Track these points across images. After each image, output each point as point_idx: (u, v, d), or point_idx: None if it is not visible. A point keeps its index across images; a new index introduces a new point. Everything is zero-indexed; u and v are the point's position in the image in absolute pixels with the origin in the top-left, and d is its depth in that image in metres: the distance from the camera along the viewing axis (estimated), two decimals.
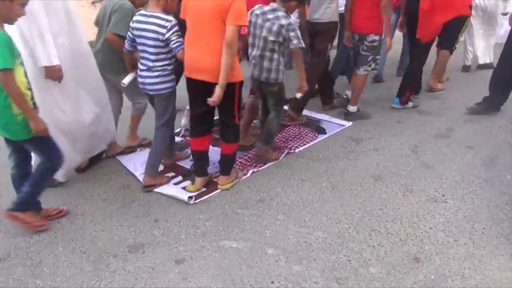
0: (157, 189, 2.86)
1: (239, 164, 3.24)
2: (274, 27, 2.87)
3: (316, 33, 3.88)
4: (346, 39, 4.05)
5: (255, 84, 3.17)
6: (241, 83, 2.68)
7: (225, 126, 2.81)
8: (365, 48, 3.88)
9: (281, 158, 3.31)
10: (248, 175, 3.05)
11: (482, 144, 3.51)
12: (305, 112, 4.30)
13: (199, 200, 2.74)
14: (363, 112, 4.20)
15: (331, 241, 2.31)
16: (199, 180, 2.86)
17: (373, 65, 3.96)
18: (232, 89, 2.59)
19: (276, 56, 2.95)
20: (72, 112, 2.77)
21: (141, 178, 2.95)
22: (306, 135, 3.79)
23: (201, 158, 2.86)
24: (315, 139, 3.70)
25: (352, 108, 4.15)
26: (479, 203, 2.67)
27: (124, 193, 2.84)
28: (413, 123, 4.05)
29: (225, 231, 2.42)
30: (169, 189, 2.85)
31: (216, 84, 2.47)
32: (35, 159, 2.55)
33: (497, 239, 2.31)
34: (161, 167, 3.20)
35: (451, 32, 4.19)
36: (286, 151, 3.43)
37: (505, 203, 2.65)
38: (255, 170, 3.13)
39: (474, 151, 3.40)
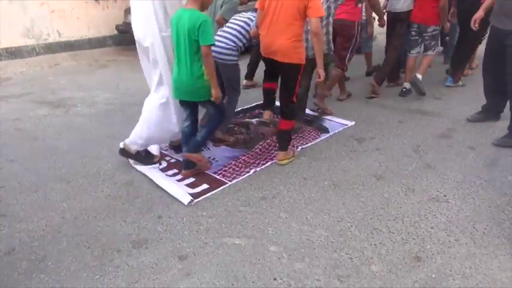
0: (160, 184, 2.89)
1: (242, 161, 3.27)
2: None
3: (396, 21, 4.78)
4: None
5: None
6: (304, 66, 3.10)
7: (284, 105, 3.16)
8: (427, 38, 4.69)
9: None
10: (251, 173, 3.07)
11: (483, 145, 3.52)
12: (308, 111, 4.32)
13: (203, 197, 2.76)
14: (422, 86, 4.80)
15: (333, 239, 2.33)
16: (267, 113, 3.77)
17: (435, 49, 4.82)
18: (297, 70, 3.04)
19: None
20: None
21: None
22: (309, 134, 3.81)
23: (269, 93, 3.64)
24: (317, 138, 3.71)
25: (420, 76, 4.80)
26: (481, 203, 2.68)
27: (127, 189, 2.86)
28: (416, 123, 4.07)
29: (227, 228, 2.43)
30: (172, 186, 2.87)
31: (283, 63, 3.01)
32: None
33: (498, 239, 2.33)
34: (164, 164, 3.22)
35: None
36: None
37: (506, 203, 2.67)
38: (257, 168, 3.15)
39: (476, 152, 3.41)
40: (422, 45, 4.81)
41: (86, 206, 2.68)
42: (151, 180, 2.96)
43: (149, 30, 2.92)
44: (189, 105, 2.95)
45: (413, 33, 4.77)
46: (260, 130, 3.90)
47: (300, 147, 3.51)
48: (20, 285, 2.01)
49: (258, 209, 2.62)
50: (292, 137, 3.44)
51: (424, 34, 4.69)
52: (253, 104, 4.63)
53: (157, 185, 2.89)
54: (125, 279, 2.04)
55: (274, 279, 2.04)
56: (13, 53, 6.87)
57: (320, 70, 3.05)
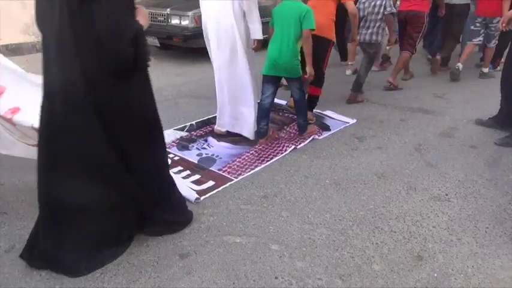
0: None
1: (246, 158, 3.28)
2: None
3: (452, 13, 5.41)
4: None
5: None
6: (334, 43, 3.89)
7: (316, 74, 3.53)
8: (492, 29, 5.13)
9: (285, 154, 3.32)
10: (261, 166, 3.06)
11: (485, 144, 3.52)
12: None
13: (208, 194, 2.75)
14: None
15: (335, 238, 2.32)
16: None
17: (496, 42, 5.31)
18: (328, 45, 3.75)
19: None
20: None
21: None
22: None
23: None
24: (319, 136, 3.70)
25: (485, 70, 5.51)
26: (483, 202, 2.68)
27: None
28: (417, 122, 4.06)
29: (228, 226, 2.42)
30: (178, 183, 2.86)
31: (322, 37, 3.61)
32: None
33: (500, 238, 2.32)
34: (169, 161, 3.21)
35: None
36: (293, 146, 3.45)
37: (508, 202, 2.66)
38: (262, 165, 3.16)
39: (478, 151, 3.40)
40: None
41: None
42: None
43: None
44: (274, 83, 3.44)
45: (478, 25, 5.21)
46: None
47: (299, 146, 3.50)
48: (20, 283, 2.00)
49: (259, 207, 2.61)
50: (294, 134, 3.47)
51: (490, 25, 5.14)
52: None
53: None
54: (126, 277, 2.03)
55: (276, 278, 2.03)
56: (13, 50, 6.85)
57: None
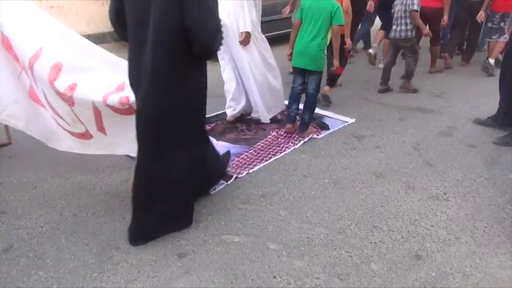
0: None
1: (245, 157, 3.29)
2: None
3: (470, 10, 5.56)
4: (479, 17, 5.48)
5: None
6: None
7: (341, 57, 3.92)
8: (506, 24, 5.13)
9: (284, 154, 3.33)
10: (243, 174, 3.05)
11: (484, 143, 3.51)
12: None
13: (217, 189, 2.80)
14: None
15: (333, 237, 2.32)
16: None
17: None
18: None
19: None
20: None
21: None
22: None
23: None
24: (317, 135, 3.70)
25: (492, 61, 5.54)
26: (481, 201, 2.68)
27: (126, 187, 2.82)
28: (416, 121, 4.05)
29: (227, 225, 2.42)
30: None
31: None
32: None
33: (499, 237, 2.32)
34: None
35: None
36: (292, 147, 3.46)
37: (507, 201, 2.66)
38: (261, 164, 3.16)
39: (476, 150, 3.40)
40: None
41: (85, 203, 2.66)
42: None
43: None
44: (302, 74, 3.62)
45: (495, 21, 5.42)
46: (261, 126, 3.90)
47: (298, 145, 3.50)
48: (18, 282, 2.00)
49: (258, 206, 2.61)
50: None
51: (506, 19, 5.25)
52: None
53: None
54: (124, 277, 2.03)
55: (274, 277, 2.03)
56: None
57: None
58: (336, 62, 3.67)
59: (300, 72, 3.62)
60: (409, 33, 4.77)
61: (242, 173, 3.01)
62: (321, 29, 3.41)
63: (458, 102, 4.57)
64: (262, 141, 3.59)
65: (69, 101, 2.38)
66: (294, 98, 3.71)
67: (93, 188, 2.84)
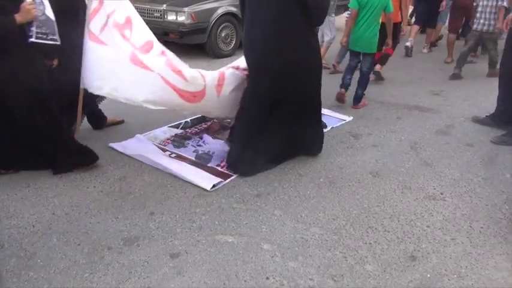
0: (178, 172, 2.88)
1: None
2: None
3: None
4: None
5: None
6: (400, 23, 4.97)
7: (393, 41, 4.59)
8: None
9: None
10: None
11: (482, 142, 3.49)
12: None
13: (224, 182, 2.83)
14: None
15: (328, 237, 2.30)
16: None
17: None
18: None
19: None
20: None
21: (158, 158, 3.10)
22: None
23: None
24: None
25: None
26: (478, 201, 2.65)
27: (120, 185, 2.81)
28: (413, 119, 4.03)
29: (221, 225, 2.40)
30: (190, 173, 2.88)
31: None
32: None
33: (495, 238, 2.30)
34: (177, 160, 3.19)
35: None
36: None
37: (504, 202, 2.64)
38: None
39: (474, 149, 3.38)
40: None
41: (78, 201, 2.63)
42: (151, 171, 2.93)
43: None
44: (358, 55, 4.25)
45: None
46: None
47: None
48: (8, 283, 1.97)
49: (252, 206, 2.58)
50: None
51: None
52: None
53: (150, 182, 2.85)
54: (115, 278, 2.00)
55: (267, 278, 2.00)
56: None
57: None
58: (389, 41, 4.38)
59: (356, 54, 4.27)
60: (491, 27, 5.11)
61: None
62: (375, 17, 4.02)
63: (457, 101, 4.54)
64: None
65: None
66: (350, 70, 4.34)
67: (86, 186, 2.80)
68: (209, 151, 3.34)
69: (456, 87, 5.00)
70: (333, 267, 2.08)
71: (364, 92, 4.38)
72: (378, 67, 5.12)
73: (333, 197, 2.70)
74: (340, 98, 4.34)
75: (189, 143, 3.46)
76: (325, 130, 3.72)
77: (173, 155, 3.24)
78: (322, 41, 5.54)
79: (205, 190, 2.74)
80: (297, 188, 2.79)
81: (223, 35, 6.69)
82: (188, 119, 3.95)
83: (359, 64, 4.30)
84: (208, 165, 3.11)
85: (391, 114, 4.16)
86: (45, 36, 2.68)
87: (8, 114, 2.70)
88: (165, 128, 3.73)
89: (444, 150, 3.36)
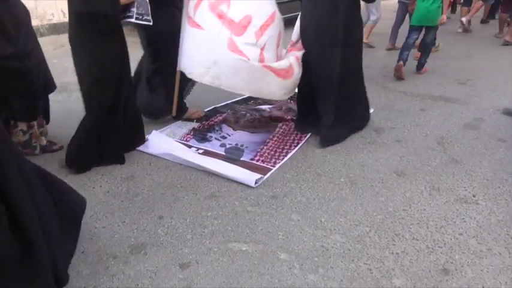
0: (215, 170, 2.74)
1: (272, 145, 3.17)
2: None
3: None
4: None
5: None
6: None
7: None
8: None
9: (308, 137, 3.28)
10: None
11: None
12: None
13: (266, 176, 2.73)
14: None
15: (350, 246, 2.11)
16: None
17: None
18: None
19: None
20: None
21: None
22: None
23: None
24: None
25: None
26: None
27: (128, 185, 2.66)
28: (439, 111, 3.77)
29: (234, 231, 2.23)
30: (230, 170, 2.76)
31: None
32: None
33: None
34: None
35: None
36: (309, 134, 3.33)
37: None
38: (293, 151, 3.07)
39: (506, 145, 3.13)
40: None
41: None
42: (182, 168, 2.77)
43: None
44: (420, 30, 4.74)
45: None
46: (273, 114, 3.68)
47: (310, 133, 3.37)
48: None
49: (268, 209, 2.41)
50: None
51: None
52: None
53: (159, 181, 2.69)
54: None
55: None
56: None
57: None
58: (444, 16, 4.62)
59: (418, 30, 4.70)
60: None
61: (279, 162, 2.91)
62: None
63: (485, 91, 4.25)
64: (280, 125, 3.43)
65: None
66: (408, 47, 4.71)
67: (92, 186, 2.66)
68: (237, 144, 3.19)
69: (483, 76, 4.70)
70: (357, 281, 1.89)
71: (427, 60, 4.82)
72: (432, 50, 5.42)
73: (355, 199, 2.50)
74: (399, 71, 4.62)
75: (212, 136, 3.30)
76: None
77: (200, 151, 3.08)
78: (367, 20, 5.51)
79: (218, 191, 2.58)
80: (316, 189, 2.59)
81: None
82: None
83: (416, 41, 4.76)
84: (241, 159, 2.96)
85: (414, 106, 3.90)
86: (141, 17, 2.72)
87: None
88: (180, 122, 3.56)
89: (474, 146, 3.12)
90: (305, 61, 3.17)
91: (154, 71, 3.30)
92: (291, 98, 4.03)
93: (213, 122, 3.56)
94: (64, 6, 7.12)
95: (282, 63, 2.98)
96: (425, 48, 4.82)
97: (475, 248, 2.09)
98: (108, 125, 2.75)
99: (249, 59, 2.81)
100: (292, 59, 3.09)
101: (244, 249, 2.10)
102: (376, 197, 2.51)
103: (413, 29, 4.71)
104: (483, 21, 8.19)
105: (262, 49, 2.90)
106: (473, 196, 2.51)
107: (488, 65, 5.10)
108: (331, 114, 3.13)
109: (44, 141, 3.02)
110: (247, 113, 3.71)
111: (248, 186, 2.61)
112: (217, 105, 3.90)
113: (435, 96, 4.14)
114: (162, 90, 3.34)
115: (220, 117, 3.63)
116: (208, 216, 2.35)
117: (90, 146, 2.77)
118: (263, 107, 3.89)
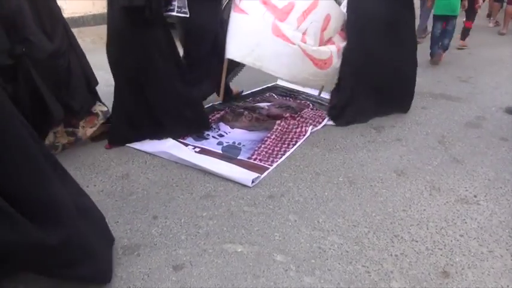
0: (211, 169, 2.69)
1: (270, 143, 3.11)
2: None
3: None
4: None
5: None
6: None
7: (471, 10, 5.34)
8: None
9: (307, 135, 3.23)
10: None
11: None
12: (323, 94, 4.01)
13: (263, 176, 2.68)
14: None
15: (348, 248, 2.06)
16: None
17: None
18: None
19: None
20: None
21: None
22: (319, 115, 3.56)
23: None
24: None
25: None
26: None
27: (122, 184, 2.62)
28: (440, 109, 3.72)
29: (229, 232, 2.18)
30: (225, 169, 2.70)
31: None
32: None
33: None
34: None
35: None
36: (315, 128, 3.32)
37: None
38: (291, 149, 3.02)
39: (509, 144, 3.07)
40: None
41: None
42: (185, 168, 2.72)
43: None
44: (443, 20, 4.93)
45: None
46: (272, 112, 3.62)
47: (319, 126, 3.37)
48: None
49: (265, 209, 2.36)
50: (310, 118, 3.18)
51: None
52: (264, 87, 4.33)
53: (154, 180, 2.64)
54: None
55: None
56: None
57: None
58: (465, 3, 5.05)
59: (441, 19, 4.92)
60: None
61: (276, 161, 2.85)
62: None
63: (487, 88, 4.19)
64: (278, 122, 3.38)
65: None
66: (436, 40, 5.04)
67: (86, 185, 2.61)
68: (234, 142, 3.13)
69: (486, 74, 4.64)
70: (355, 284, 1.84)
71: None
72: (461, 43, 5.74)
73: (354, 199, 2.45)
74: (437, 60, 5.03)
75: (209, 134, 3.24)
76: None
77: (197, 149, 3.02)
78: None
79: (214, 190, 2.53)
80: (314, 189, 2.54)
81: None
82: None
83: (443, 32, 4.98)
84: (238, 157, 2.90)
85: (415, 104, 3.83)
86: (179, 10, 2.89)
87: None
88: None
89: (475, 145, 3.06)
90: (349, 49, 3.26)
91: (189, 66, 3.23)
92: (295, 98, 3.99)
93: (210, 120, 3.50)
94: (62, 2, 7.05)
95: (323, 53, 3.14)
96: (448, 34, 5.05)
97: (476, 250, 2.04)
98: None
99: (293, 44, 2.96)
100: (334, 49, 3.21)
101: (239, 250, 2.05)
102: (375, 197, 2.46)
103: (436, 18, 4.95)
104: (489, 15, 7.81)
105: (304, 34, 3.03)
106: (475, 196, 2.46)
107: (490, 62, 5.03)
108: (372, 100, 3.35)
109: (65, 139, 2.96)
110: (245, 110, 3.65)
111: (245, 185, 2.56)
112: (215, 103, 3.85)
113: (436, 94, 4.08)
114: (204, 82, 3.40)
115: (218, 115, 3.58)
116: (203, 216, 2.30)
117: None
118: (261, 104, 3.84)
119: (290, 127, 3.31)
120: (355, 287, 1.84)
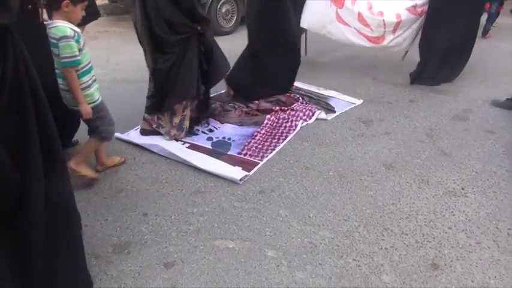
0: (200, 165, 2.68)
1: (260, 138, 3.11)
2: None
3: None
4: None
5: None
6: None
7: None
8: None
9: (297, 130, 3.23)
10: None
11: (504, 129, 3.22)
12: (313, 88, 4.01)
13: (252, 172, 2.67)
14: None
15: (339, 242, 2.07)
16: None
17: None
18: None
19: None
20: None
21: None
22: (309, 109, 3.54)
23: None
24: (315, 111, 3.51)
25: None
26: (503, 197, 2.41)
27: (111, 181, 2.59)
28: (428, 103, 3.75)
29: (220, 228, 2.17)
30: (214, 165, 2.69)
31: None
32: None
33: None
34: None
35: None
36: (305, 122, 3.34)
37: None
38: (281, 144, 3.03)
39: (495, 136, 3.11)
40: None
41: None
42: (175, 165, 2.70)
43: None
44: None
45: None
46: (261, 106, 3.60)
47: (309, 121, 3.37)
48: None
49: (255, 205, 2.35)
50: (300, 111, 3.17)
51: None
52: None
53: (143, 177, 2.62)
54: None
55: None
56: None
57: None
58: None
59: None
60: None
61: (266, 156, 2.85)
62: None
63: (474, 81, 4.24)
64: (268, 117, 3.36)
65: (380, 14, 4.06)
66: (492, 17, 5.81)
67: (73, 182, 2.57)
68: (224, 137, 3.12)
69: (472, 67, 4.66)
70: (346, 278, 1.86)
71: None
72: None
73: (344, 193, 2.46)
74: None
75: (198, 130, 3.21)
76: (333, 115, 3.48)
77: (187, 145, 3.00)
78: None
79: (204, 186, 2.52)
80: (304, 184, 2.55)
81: (223, 10, 6.35)
82: None
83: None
84: (228, 153, 2.89)
85: (403, 97, 3.87)
86: None
87: None
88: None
89: (463, 138, 3.10)
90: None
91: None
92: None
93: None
94: None
95: (377, 33, 4.09)
96: (490, 17, 5.79)
97: (464, 242, 2.07)
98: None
99: (349, 26, 4.15)
100: (389, 29, 4.06)
101: (230, 246, 2.05)
102: (365, 191, 2.48)
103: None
104: None
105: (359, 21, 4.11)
106: (462, 189, 2.49)
107: (477, 56, 5.07)
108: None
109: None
110: (235, 105, 3.63)
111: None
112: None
113: (424, 87, 4.11)
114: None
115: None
116: (194, 212, 2.29)
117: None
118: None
119: (280, 121, 3.31)
120: (347, 280, 1.85)
